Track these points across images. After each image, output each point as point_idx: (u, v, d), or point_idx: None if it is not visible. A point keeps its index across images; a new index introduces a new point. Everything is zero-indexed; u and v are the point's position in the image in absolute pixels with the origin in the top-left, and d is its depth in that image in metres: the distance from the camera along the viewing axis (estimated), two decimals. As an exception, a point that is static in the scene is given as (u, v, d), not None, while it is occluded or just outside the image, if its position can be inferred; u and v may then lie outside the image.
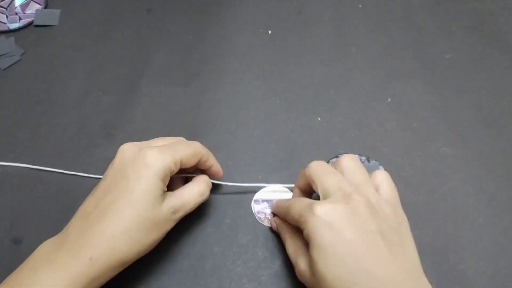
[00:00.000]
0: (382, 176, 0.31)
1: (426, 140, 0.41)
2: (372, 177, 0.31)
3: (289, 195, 0.38)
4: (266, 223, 0.36)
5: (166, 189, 0.31)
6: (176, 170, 0.31)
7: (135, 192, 0.29)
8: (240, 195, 0.38)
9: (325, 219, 0.26)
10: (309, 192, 0.33)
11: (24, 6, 0.54)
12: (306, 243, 0.28)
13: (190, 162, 0.32)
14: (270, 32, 0.51)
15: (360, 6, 0.53)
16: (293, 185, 0.35)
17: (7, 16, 0.53)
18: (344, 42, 0.49)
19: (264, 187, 0.38)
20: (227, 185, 0.38)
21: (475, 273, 0.33)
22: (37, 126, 0.44)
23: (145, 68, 0.48)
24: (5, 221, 0.37)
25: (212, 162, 0.35)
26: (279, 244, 0.35)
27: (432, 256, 0.34)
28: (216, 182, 0.36)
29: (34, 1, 0.55)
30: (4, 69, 0.49)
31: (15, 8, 0.54)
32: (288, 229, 0.33)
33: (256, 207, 0.37)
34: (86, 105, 0.45)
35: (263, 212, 0.37)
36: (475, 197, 0.37)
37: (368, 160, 0.38)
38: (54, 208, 0.38)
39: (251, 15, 0.53)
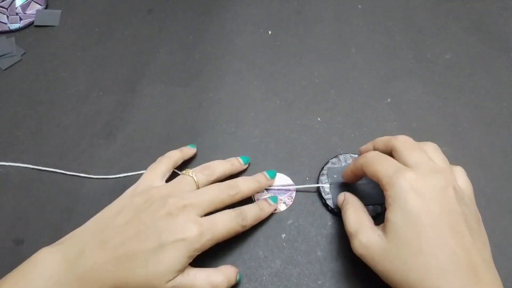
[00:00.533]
0: (459, 170, 0.31)
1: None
2: None
3: (286, 180, 0.38)
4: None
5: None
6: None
7: (159, 259, 0.28)
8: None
9: (415, 186, 0.27)
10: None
11: (24, 6, 0.54)
12: (370, 218, 0.30)
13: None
14: (270, 32, 0.51)
15: (360, 6, 0.53)
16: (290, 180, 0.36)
17: (7, 16, 0.53)
18: (344, 42, 0.49)
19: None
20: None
21: (474, 273, 0.33)
22: (38, 126, 0.44)
23: (145, 68, 0.48)
24: (6, 222, 0.37)
25: (253, 218, 0.34)
26: (280, 243, 0.35)
27: (432, 256, 0.34)
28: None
29: (34, 2, 0.55)
30: (5, 69, 0.49)
31: (16, 8, 0.54)
32: (355, 202, 0.33)
33: (256, 196, 0.37)
34: (86, 105, 0.45)
35: (263, 199, 0.37)
36: (475, 198, 0.37)
37: None
38: (55, 209, 0.38)
39: (251, 15, 0.53)
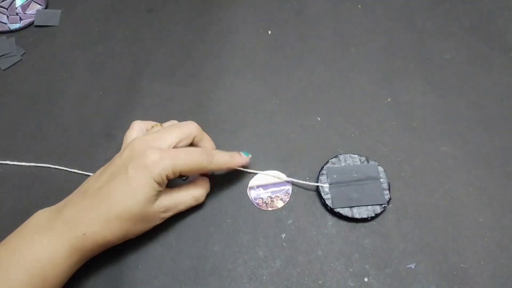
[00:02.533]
0: None
1: (426, 140, 0.41)
2: None
3: (282, 177, 0.39)
4: (265, 208, 0.37)
5: (161, 189, 0.33)
6: (174, 177, 0.33)
7: (131, 188, 0.31)
8: (240, 195, 0.38)
9: None
10: None
11: (24, 7, 0.54)
12: None
13: (191, 173, 0.35)
14: (270, 32, 0.51)
15: (360, 6, 0.53)
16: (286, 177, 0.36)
17: (7, 17, 0.53)
18: (344, 42, 0.49)
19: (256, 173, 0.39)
20: (227, 185, 0.38)
21: (475, 272, 0.33)
22: (38, 126, 0.44)
23: (145, 68, 0.48)
24: (6, 221, 0.37)
25: (221, 163, 0.36)
26: (280, 243, 0.35)
27: (432, 256, 0.34)
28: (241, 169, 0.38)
29: (34, 2, 0.55)
30: (5, 69, 0.49)
31: (16, 8, 0.54)
32: None
33: (252, 194, 0.38)
34: (86, 105, 0.45)
35: (260, 198, 0.37)
36: (475, 197, 0.37)
37: (367, 160, 0.38)
38: (54, 208, 0.38)
39: (251, 15, 0.53)
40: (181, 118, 0.43)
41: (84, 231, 0.30)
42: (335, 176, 0.37)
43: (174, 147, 0.34)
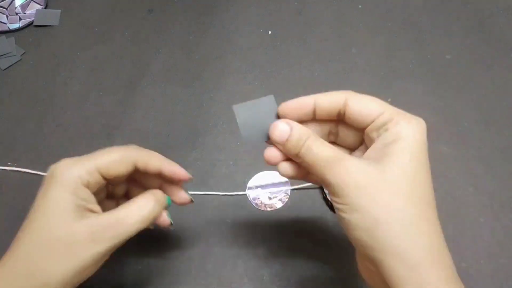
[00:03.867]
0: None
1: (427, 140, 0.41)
2: None
3: (280, 178, 0.37)
4: (263, 209, 0.37)
5: (87, 206, 0.26)
6: (96, 181, 0.26)
7: (40, 210, 0.25)
8: (240, 195, 0.38)
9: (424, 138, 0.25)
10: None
11: (24, 6, 0.54)
12: None
13: (118, 171, 0.27)
14: (270, 32, 0.51)
15: (360, 6, 0.53)
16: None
17: (7, 16, 0.53)
18: (344, 42, 0.49)
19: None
20: (227, 185, 0.38)
21: (475, 272, 0.33)
22: (38, 126, 0.44)
23: (145, 68, 0.48)
24: (5, 223, 0.37)
25: (158, 164, 0.29)
26: (280, 243, 0.35)
27: (432, 255, 0.34)
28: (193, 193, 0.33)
29: (34, 1, 0.55)
30: (5, 69, 0.49)
31: (16, 8, 0.54)
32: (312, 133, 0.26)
33: (251, 194, 0.37)
34: (86, 105, 0.45)
35: (258, 198, 0.37)
36: (475, 197, 0.37)
37: None
38: (54, 208, 0.38)
39: (251, 15, 0.53)
40: (181, 118, 0.43)
41: (12, 276, 0.24)
42: None
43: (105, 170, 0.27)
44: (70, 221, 0.24)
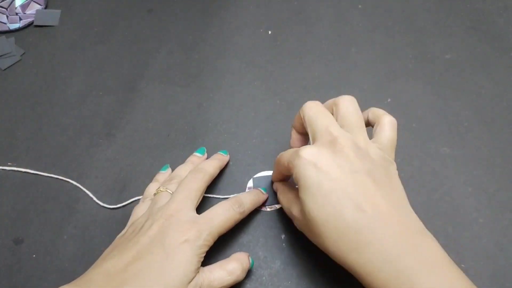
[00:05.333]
0: (386, 120, 0.31)
1: (426, 140, 0.41)
2: (377, 118, 0.31)
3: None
4: (263, 208, 0.37)
5: (200, 265, 0.29)
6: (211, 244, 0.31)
7: (172, 265, 0.27)
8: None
9: (310, 160, 0.27)
10: (306, 133, 0.32)
11: (24, 6, 0.54)
12: (297, 193, 0.29)
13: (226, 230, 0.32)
14: (270, 32, 0.51)
15: (360, 6, 0.53)
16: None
17: (7, 16, 0.53)
18: (344, 42, 0.49)
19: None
20: (227, 185, 0.38)
21: (475, 272, 0.33)
22: (37, 126, 0.44)
23: (145, 68, 0.48)
24: (6, 221, 0.37)
25: (251, 207, 0.35)
26: (280, 244, 0.35)
27: (432, 256, 0.34)
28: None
29: (34, 1, 0.55)
30: (4, 69, 0.49)
31: (16, 8, 0.54)
32: (281, 184, 0.35)
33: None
34: (86, 105, 0.45)
35: (254, 189, 0.37)
36: (475, 197, 0.37)
37: None
38: (55, 209, 0.38)
39: (251, 15, 0.53)
40: (181, 118, 0.43)
41: None
42: None
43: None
44: (187, 283, 0.28)
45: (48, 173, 0.40)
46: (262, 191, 0.37)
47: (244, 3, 0.54)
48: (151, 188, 0.37)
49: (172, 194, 0.33)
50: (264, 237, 0.35)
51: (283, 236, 0.35)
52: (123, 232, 0.33)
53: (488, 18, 0.51)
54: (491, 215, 0.36)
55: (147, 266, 0.27)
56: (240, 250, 0.35)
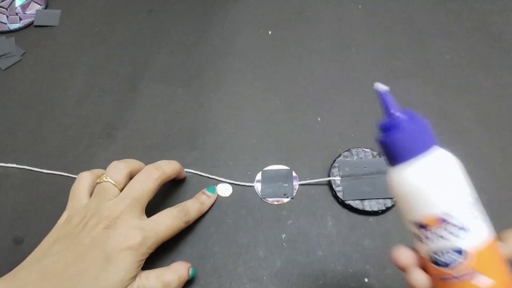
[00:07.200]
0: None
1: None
2: None
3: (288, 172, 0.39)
4: (270, 202, 0.37)
5: (139, 270, 0.30)
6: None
7: (106, 273, 0.28)
8: (240, 195, 0.38)
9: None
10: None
11: (24, 7, 0.54)
12: None
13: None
14: (270, 32, 0.51)
15: (360, 6, 0.53)
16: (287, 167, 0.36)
17: (7, 17, 0.53)
18: (344, 42, 0.49)
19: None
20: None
21: (475, 273, 0.33)
22: (38, 126, 0.44)
23: (145, 68, 0.48)
24: (6, 221, 0.37)
25: (196, 215, 0.35)
26: (280, 244, 0.35)
27: (432, 256, 0.34)
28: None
29: (34, 2, 0.55)
30: (5, 69, 0.49)
31: (16, 8, 0.54)
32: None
33: (259, 187, 0.38)
34: (86, 105, 0.45)
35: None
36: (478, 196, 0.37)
37: (380, 154, 0.38)
38: (54, 208, 0.38)
39: (251, 16, 0.53)
40: (181, 118, 0.43)
41: None
42: (347, 169, 0.38)
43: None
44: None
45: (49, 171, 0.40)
46: (209, 193, 0.37)
47: (244, 3, 0.54)
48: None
49: (120, 190, 0.32)
50: (264, 237, 0.35)
51: (283, 236, 0.35)
52: (64, 217, 0.32)
53: (488, 18, 0.51)
54: (491, 215, 0.36)
55: (85, 270, 0.28)
56: (240, 250, 0.35)
